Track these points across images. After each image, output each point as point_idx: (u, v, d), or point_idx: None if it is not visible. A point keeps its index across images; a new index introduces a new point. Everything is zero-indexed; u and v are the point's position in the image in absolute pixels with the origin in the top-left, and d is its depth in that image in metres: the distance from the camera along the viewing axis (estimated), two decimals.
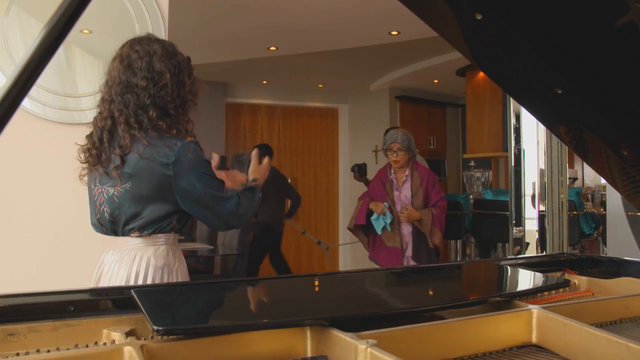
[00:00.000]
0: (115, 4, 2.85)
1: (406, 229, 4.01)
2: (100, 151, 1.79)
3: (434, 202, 4.01)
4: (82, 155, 1.85)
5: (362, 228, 4.16)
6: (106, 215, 1.79)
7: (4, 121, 0.72)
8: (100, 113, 1.83)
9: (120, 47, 1.84)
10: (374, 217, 4.01)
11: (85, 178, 1.89)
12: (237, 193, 1.85)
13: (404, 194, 4.04)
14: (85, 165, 1.85)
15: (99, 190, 1.81)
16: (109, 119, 1.79)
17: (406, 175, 4.07)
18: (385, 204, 3.98)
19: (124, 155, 1.73)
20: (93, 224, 1.89)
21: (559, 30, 0.94)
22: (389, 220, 3.95)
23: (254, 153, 2.11)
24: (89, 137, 1.84)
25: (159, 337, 0.96)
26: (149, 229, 1.77)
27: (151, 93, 1.74)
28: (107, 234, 1.84)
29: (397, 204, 4.03)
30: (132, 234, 1.78)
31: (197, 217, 1.84)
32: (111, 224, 1.80)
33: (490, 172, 6.99)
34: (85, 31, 2.87)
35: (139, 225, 1.77)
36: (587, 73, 1.03)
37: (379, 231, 4.00)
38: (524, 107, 1.56)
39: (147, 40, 1.81)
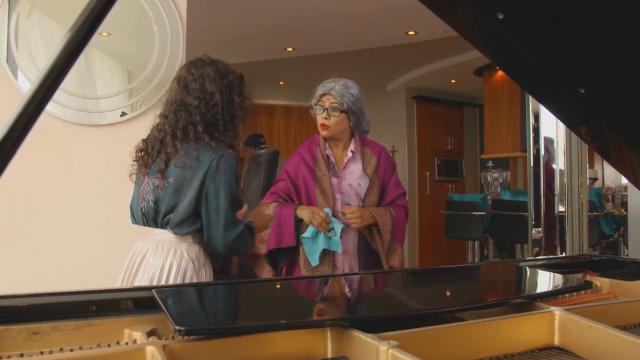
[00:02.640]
0: (133, 6, 2.88)
1: (350, 243, 2.39)
2: (149, 156, 2.00)
3: (392, 198, 2.48)
4: (134, 154, 2.06)
5: (269, 253, 2.40)
6: (151, 203, 1.95)
7: (29, 125, 0.73)
8: (156, 125, 2.03)
9: (180, 68, 2.09)
10: (307, 234, 2.30)
11: (134, 176, 2.08)
12: (246, 226, 1.96)
13: (348, 181, 2.42)
14: (135, 164, 2.05)
15: (146, 180, 1.99)
16: (162, 131, 1.99)
17: (351, 151, 2.44)
18: (327, 210, 2.30)
19: (167, 161, 1.94)
20: (133, 215, 2.05)
21: (581, 29, 0.93)
22: (337, 236, 2.28)
23: (261, 209, 2.27)
24: (145, 141, 2.05)
25: (180, 337, 0.97)
26: (181, 225, 1.91)
27: (202, 111, 1.95)
28: (147, 225, 1.98)
29: (337, 200, 2.39)
30: (168, 228, 1.93)
31: (204, 223, 1.92)
32: (154, 212, 1.95)
33: (508, 172, 6.94)
34: (104, 33, 2.90)
35: (174, 218, 1.91)
36: (610, 73, 1.01)
37: (315, 261, 2.30)
38: (545, 106, 1.55)
39: (202, 63, 2.02)
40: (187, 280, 1.90)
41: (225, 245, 1.91)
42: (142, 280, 1.90)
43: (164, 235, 1.93)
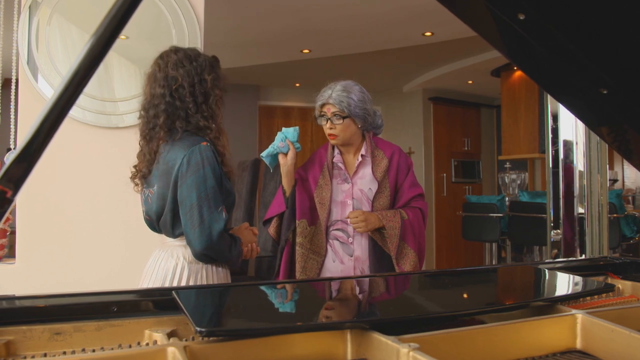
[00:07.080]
0: (152, 9, 2.90)
1: (361, 247, 2.38)
2: (137, 167, 1.98)
3: (406, 200, 2.41)
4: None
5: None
6: (144, 214, 1.97)
7: (53, 130, 0.74)
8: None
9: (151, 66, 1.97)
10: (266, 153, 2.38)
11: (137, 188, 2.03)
12: (227, 231, 1.84)
13: (359, 187, 2.40)
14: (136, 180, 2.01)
15: (141, 191, 1.99)
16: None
17: (362, 155, 2.42)
18: (288, 132, 2.36)
19: (150, 167, 1.92)
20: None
21: (604, 30, 0.92)
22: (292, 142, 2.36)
23: (246, 225, 2.08)
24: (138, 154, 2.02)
25: (201, 338, 0.97)
26: (172, 229, 1.87)
27: (167, 100, 1.84)
28: (156, 232, 1.99)
29: (347, 205, 2.39)
30: (163, 233, 1.93)
31: (182, 225, 1.82)
32: (148, 222, 1.97)
33: (526, 173, 6.88)
34: (123, 37, 2.92)
35: (162, 223, 1.89)
36: (634, 73, 1.00)
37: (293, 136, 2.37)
38: (565, 107, 1.54)
39: (167, 53, 1.92)
40: (184, 283, 1.84)
41: (201, 247, 1.77)
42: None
43: (167, 240, 1.92)
